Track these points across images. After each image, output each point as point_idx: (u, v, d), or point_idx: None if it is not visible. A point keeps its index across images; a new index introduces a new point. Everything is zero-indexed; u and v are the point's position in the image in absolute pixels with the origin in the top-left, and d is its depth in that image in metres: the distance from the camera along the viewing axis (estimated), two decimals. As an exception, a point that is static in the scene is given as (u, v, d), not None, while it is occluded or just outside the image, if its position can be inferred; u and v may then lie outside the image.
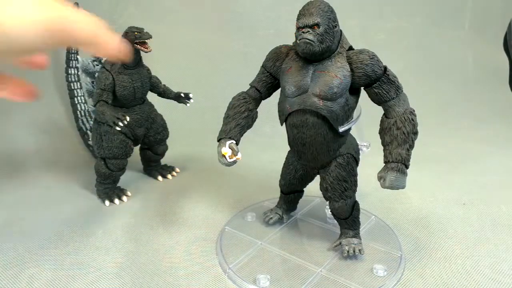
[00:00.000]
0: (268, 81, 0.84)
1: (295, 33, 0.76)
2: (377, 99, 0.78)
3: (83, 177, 1.27)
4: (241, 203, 1.09)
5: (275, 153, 1.20)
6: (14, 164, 1.39)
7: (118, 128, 1.00)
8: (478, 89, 2.10)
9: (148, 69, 1.16)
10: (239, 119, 0.82)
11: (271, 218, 0.96)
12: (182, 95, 1.22)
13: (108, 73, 1.06)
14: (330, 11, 0.74)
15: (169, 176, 1.29)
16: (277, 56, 0.82)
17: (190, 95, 1.22)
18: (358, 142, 0.88)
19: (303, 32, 0.73)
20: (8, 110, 1.56)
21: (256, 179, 1.25)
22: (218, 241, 0.91)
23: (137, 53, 1.07)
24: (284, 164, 0.93)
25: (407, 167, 0.74)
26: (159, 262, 0.85)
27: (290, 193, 0.95)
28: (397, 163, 0.74)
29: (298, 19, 0.75)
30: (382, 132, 0.77)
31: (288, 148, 0.89)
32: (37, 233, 0.96)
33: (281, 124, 0.84)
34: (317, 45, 0.73)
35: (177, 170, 1.33)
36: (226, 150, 0.78)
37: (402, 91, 0.77)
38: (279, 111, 0.83)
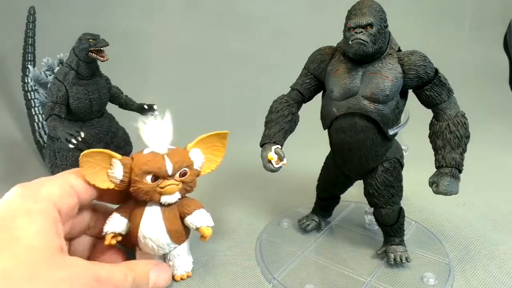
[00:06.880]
0: (312, 83, 0.81)
1: (345, 34, 0.73)
2: (428, 102, 0.75)
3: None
4: (276, 209, 1.04)
5: (305, 156, 1.15)
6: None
7: (71, 146, 0.89)
8: (478, 89, 2.10)
9: (107, 79, 1.04)
10: (282, 123, 0.79)
11: (308, 225, 0.92)
12: (146, 106, 1.09)
13: (61, 84, 0.95)
14: (381, 11, 0.72)
15: None
16: (321, 58, 0.79)
17: (155, 107, 1.10)
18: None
19: (356, 33, 0.70)
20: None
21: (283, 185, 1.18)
22: (257, 249, 0.87)
23: (93, 61, 0.96)
24: (322, 169, 0.89)
25: (460, 171, 0.72)
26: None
27: (328, 199, 0.92)
28: (451, 168, 0.72)
29: (349, 19, 0.71)
30: (433, 135, 0.75)
31: (319, 152, 0.85)
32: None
33: (325, 129, 0.81)
34: (370, 45, 0.70)
35: None
36: (272, 155, 0.74)
37: (453, 93, 0.75)
38: (323, 114, 0.80)
